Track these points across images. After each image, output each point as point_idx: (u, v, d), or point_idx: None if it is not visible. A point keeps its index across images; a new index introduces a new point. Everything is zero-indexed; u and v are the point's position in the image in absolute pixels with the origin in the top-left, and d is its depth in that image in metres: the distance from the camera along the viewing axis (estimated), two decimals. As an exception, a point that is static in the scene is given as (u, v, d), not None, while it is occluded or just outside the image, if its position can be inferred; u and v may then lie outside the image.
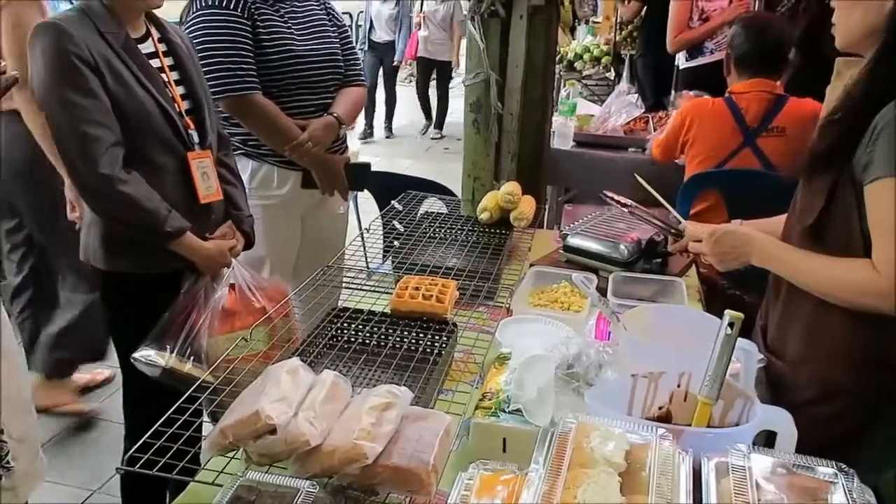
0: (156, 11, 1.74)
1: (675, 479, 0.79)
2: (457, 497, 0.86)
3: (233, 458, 1.05)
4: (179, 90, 1.75)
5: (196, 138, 1.76)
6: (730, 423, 1.06)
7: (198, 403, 1.19)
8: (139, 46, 1.67)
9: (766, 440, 1.03)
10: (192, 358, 1.62)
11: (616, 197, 1.77)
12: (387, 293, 1.63)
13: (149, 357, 1.61)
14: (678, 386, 1.09)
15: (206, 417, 1.22)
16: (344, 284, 1.81)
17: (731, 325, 1.01)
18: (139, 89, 1.62)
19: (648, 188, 1.71)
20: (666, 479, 0.79)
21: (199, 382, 1.25)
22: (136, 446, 1.02)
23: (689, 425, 1.02)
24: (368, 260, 1.96)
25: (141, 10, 1.69)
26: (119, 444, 1.90)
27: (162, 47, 1.75)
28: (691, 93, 3.23)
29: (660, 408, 1.09)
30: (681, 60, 3.93)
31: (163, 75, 1.71)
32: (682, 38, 3.78)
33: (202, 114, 1.77)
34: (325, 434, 1.00)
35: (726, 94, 2.51)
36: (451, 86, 7.94)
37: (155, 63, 1.70)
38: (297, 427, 0.98)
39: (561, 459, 0.79)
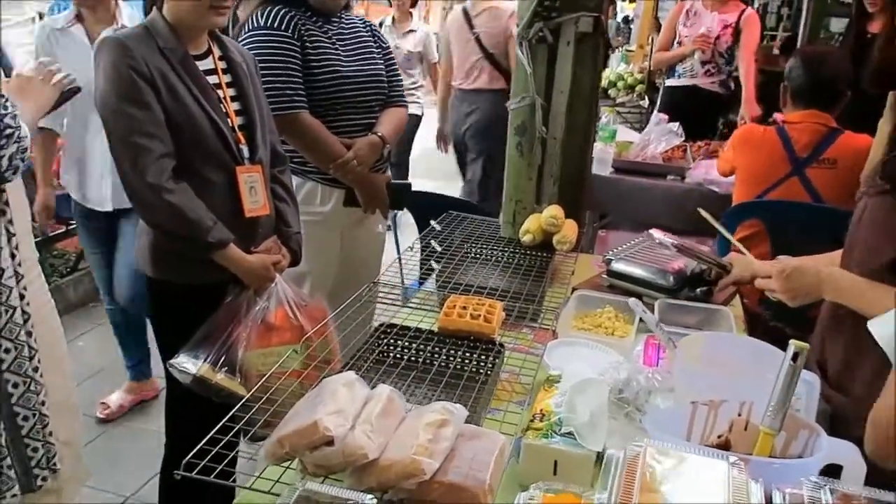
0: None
1: (747, 508, 0.78)
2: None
3: (288, 467, 1.05)
4: (234, 106, 1.78)
5: (246, 153, 1.78)
6: (792, 454, 1.03)
7: (247, 417, 1.18)
8: (199, 63, 1.71)
9: (827, 473, 1.01)
10: (224, 369, 1.63)
11: (663, 237, 1.77)
12: (433, 311, 1.62)
13: (182, 364, 1.62)
14: (738, 415, 1.07)
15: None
16: (383, 300, 1.82)
17: (795, 355, 1.00)
18: (192, 103, 1.66)
19: (714, 222, 1.73)
20: (738, 508, 0.78)
21: (244, 399, 1.24)
22: (193, 452, 1.02)
23: (750, 455, 1.00)
24: (406, 279, 1.97)
25: (203, 29, 1.73)
26: (151, 450, 1.90)
27: (222, 65, 1.78)
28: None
29: (719, 436, 1.07)
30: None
31: (219, 91, 1.74)
32: (655, 57, 4.39)
33: (254, 129, 1.80)
34: (381, 448, 1.00)
35: (779, 123, 2.50)
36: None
37: (213, 79, 1.74)
38: (355, 440, 0.97)
39: (631, 484, 0.78)
